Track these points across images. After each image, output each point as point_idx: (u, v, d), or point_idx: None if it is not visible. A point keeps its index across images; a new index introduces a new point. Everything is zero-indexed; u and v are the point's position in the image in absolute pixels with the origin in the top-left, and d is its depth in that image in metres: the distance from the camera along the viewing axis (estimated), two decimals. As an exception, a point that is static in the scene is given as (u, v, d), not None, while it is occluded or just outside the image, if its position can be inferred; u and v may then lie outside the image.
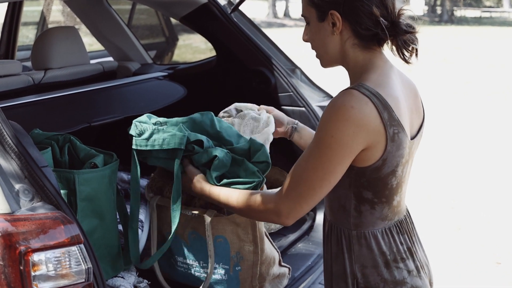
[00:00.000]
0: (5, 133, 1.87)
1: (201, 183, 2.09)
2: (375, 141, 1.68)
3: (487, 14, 39.70)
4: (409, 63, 1.78)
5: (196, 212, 2.33)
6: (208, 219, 2.27)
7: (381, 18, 1.71)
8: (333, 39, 1.77)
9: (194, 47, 12.76)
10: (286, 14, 34.41)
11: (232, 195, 1.94)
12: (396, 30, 1.73)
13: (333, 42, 1.78)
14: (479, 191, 6.20)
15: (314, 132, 2.25)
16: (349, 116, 1.63)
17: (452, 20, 34.72)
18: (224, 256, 2.33)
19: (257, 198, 1.82)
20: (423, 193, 5.95)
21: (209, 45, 3.63)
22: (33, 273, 1.68)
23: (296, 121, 2.37)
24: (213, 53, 3.62)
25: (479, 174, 6.75)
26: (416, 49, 1.78)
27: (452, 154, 7.51)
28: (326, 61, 1.86)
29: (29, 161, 1.85)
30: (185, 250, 2.40)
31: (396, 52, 1.78)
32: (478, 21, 35.34)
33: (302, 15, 1.86)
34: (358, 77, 1.77)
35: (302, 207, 1.72)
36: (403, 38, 1.75)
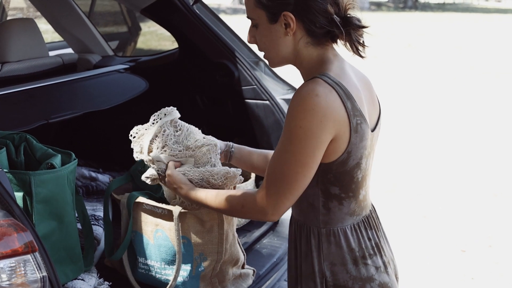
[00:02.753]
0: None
1: (186, 186, 2.03)
2: (341, 131, 1.67)
3: (450, 1, 40.16)
4: (363, 57, 1.78)
5: (164, 208, 2.29)
6: (176, 213, 2.23)
7: (335, 16, 1.70)
8: (285, 40, 1.75)
9: (159, 34, 12.58)
10: (252, 0, 34.22)
11: (217, 196, 1.90)
12: (349, 26, 1.73)
13: (286, 43, 1.76)
14: (444, 178, 6.24)
15: (251, 149, 2.25)
16: (314, 104, 1.62)
17: (416, 6, 34.96)
18: (187, 257, 2.28)
19: (241, 198, 1.81)
20: (387, 182, 5.97)
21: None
22: (-15, 284, 1.62)
23: (231, 143, 2.25)
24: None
25: (443, 161, 6.80)
26: (363, 42, 1.78)
27: (415, 141, 7.55)
28: (277, 62, 1.84)
29: (-20, 164, 1.78)
30: (149, 250, 2.35)
31: (349, 47, 1.77)
32: (441, 7, 35.69)
33: (248, 17, 1.82)
34: (314, 71, 1.75)
35: (284, 202, 1.71)
36: (356, 33, 1.75)
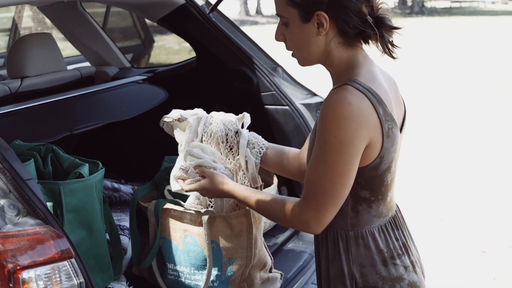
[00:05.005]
0: (-14, 148, 1.81)
1: (228, 185, 1.96)
2: (374, 137, 1.65)
3: (457, 5, 40.23)
4: (395, 58, 1.76)
5: (193, 213, 2.30)
6: (205, 217, 2.24)
7: (368, 16, 1.68)
8: (317, 40, 1.72)
9: (167, 48, 12.69)
10: (258, 12, 34.40)
11: (260, 200, 1.85)
12: (382, 27, 1.71)
13: (317, 42, 1.73)
14: (460, 181, 6.23)
15: (277, 146, 2.21)
16: (348, 113, 1.60)
17: (422, 11, 35.01)
18: (216, 262, 2.29)
19: (283, 207, 1.76)
20: (404, 185, 5.95)
21: (183, 46, 3.59)
22: (23, 291, 1.63)
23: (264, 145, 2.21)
24: (187, 54, 3.58)
25: (459, 164, 6.78)
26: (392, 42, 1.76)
27: (431, 145, 7.53)
28: (306, 61, 1.80)
29: (13, 175, 1.79)
30: (178, 256, 2.36)
31: (381, 48, 1.74)
32: (448, 11, 35.71)
33: (277, 14, 1.78)
34: (343, 74, 1.73)
35: (325, 214, 1.68)
36: (388, 34, 1.72)
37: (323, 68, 1.82)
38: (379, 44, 1.74)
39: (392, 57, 1.76)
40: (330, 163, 1.63)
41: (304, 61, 1.81)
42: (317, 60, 1.78)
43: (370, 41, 1.75)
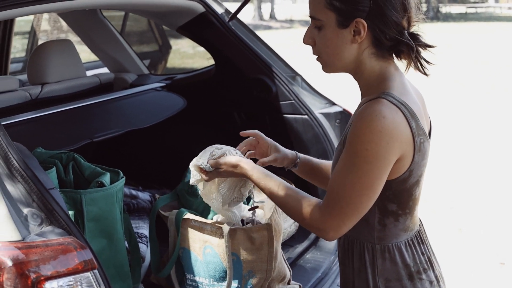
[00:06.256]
0: (11, 156, 1.81)
1: (243, 168, 1.91)
2: (406, 151, 1.64)
3: (472, 10, 40.09)
4: (428, 75, 1.74)
5: (213, 224, 2.30)
6: (226, 229, 2.23)
7: (405, 31, 1.67)
8: (350, 48, 1.68)
9: (182, 52, 12.72)
10: (272, 16, 34.44)
11: (284, 196, 1.79)
12: (416, 42, 1.69)
13: (351, 50, 1.69)
14: (478, 189, 6.18)
15: (319, 162, 2.14)
16: (382, 127, 1.58)
17: (438, 17, 34.88)
18: (236, 274, 2.29)
19: (306, 209, 1.71)
20: (421, 194, 5.90)
21: (198, 50, 3.59)
22: (46, 301, 1.63)
23: (295, 152, 2.13)
24: (201, 58, 3.59)
25: (477, 173, 6.74)
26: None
27: (449, 153, 7.49)
28: (334, 68, 1.76)
29: (36, 184, 1.79)
30: (197, 266, 2.36)
31: (414, 64, 1.72)
32: (464, 17, 35.58)
33: (311, 16, 1.73)
34: (374, 86, 1.70)
35: (346, 224, 1.66)
36: (422, 50, 1.70)
37: (343, 77, 1.80)
38: (412, 60, 1.71)
39: (425, 73, 1.73)
40: (359, 174, 1.62)
41: (331, 68, 1.76)
42: (345, 69, 1.75)
43: (402, 56, 1.72)
